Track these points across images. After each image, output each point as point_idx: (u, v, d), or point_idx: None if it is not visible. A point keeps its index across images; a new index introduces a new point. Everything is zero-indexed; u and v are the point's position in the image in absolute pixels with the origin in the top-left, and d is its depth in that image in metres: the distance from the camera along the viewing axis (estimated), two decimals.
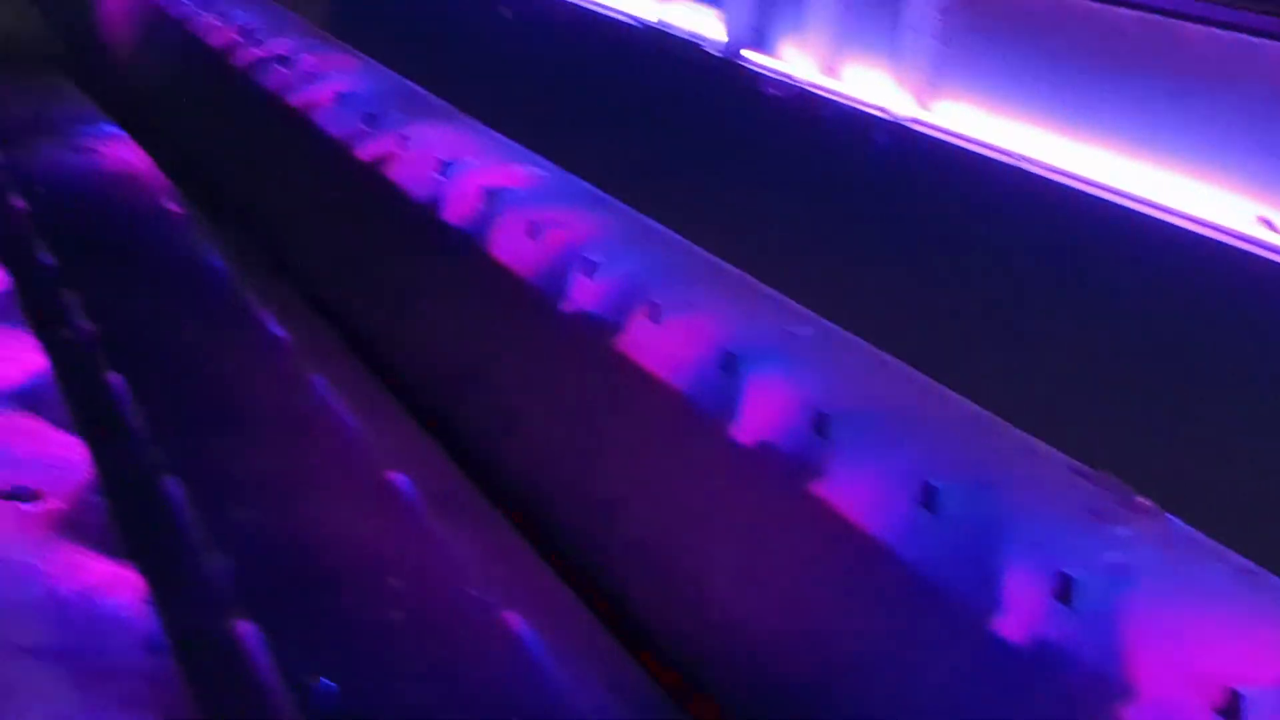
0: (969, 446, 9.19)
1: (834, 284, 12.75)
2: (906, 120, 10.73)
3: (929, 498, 8.59)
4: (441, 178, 14.33)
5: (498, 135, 15.54)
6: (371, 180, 15.35)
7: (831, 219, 14.25)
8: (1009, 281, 13.00)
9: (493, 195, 13.64)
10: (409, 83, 17.87)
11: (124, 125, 21.92)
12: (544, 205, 13.29)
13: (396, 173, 15.06)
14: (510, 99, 18.47)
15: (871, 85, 10.11)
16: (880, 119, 10.46)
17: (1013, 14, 12.95)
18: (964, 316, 13.23)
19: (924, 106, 10.03)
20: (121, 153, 20.54)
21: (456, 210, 13.87)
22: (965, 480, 8.71)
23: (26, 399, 11.60)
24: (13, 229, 16.88)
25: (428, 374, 13.77)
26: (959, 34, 9.25)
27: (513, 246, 12.96)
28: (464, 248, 13.48)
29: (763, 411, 9.88)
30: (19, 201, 17.97)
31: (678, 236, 12.76)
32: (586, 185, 14.00)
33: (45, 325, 13.63)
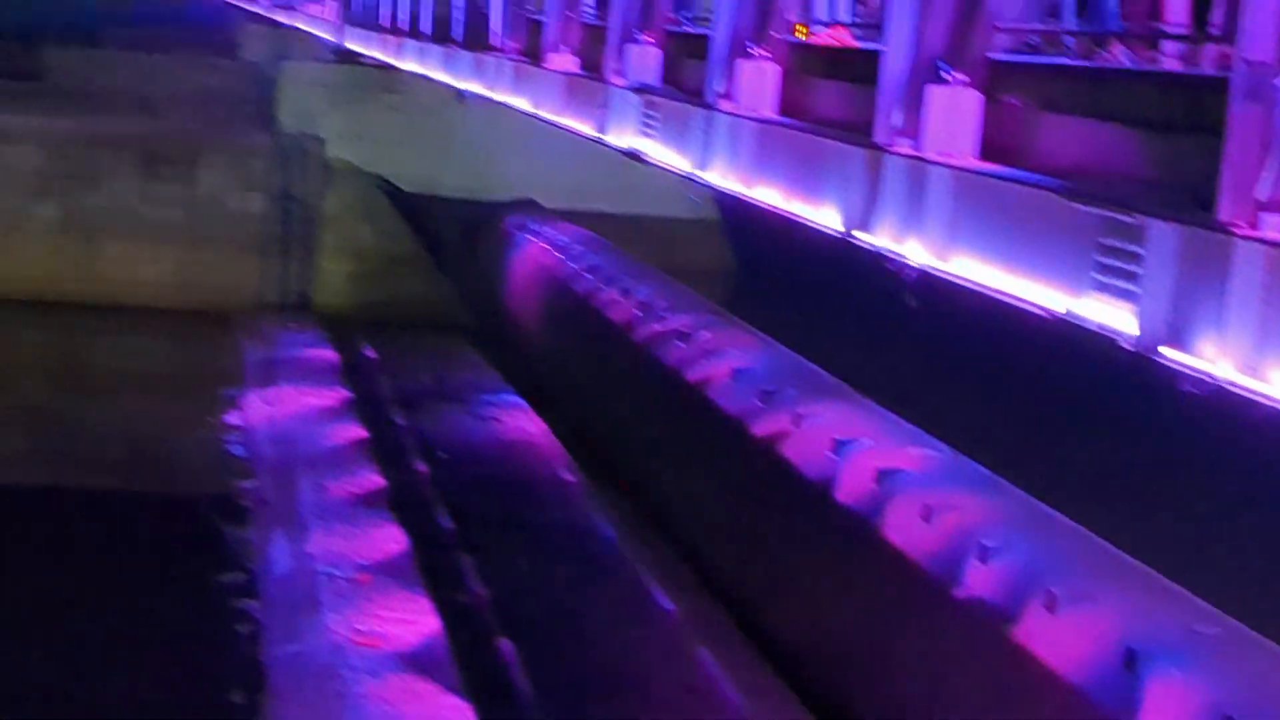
0: None
1: (1247, 586, 12.29)
2: None
3: None
4: (835, 457, 14.29)
5: (893, 416, 15.47)
6: (765, 457, 15.38)
7: (1248, 521, 13.81)
8: None
9: (887, 476, 13.54)
10: (805, 361, 17.96)
11: (524, 394, 22.48)
12: (939, 488, 13.13)
13: (790, 450, 15.07)
14: (908, 381, 18.42)
15: None
16: None
17: None
18: None
19: None
20: (520, 421, 21.05)
21: (849, 490, 13.78)
22: None
23: (419, 661, 11.81)
24: (414, 492, 17.35)
25: (814, 654, 13.61)
26: None
27: (906, 529, 12.81)
28: (856, 529, 13.37)
29: (1165, 713, 9.50)
30: (421, 465, 18.49)
31: (1077, 525, 12.47)
32: (982, 470, 13.81)
33: (440, 588, 13.91)
